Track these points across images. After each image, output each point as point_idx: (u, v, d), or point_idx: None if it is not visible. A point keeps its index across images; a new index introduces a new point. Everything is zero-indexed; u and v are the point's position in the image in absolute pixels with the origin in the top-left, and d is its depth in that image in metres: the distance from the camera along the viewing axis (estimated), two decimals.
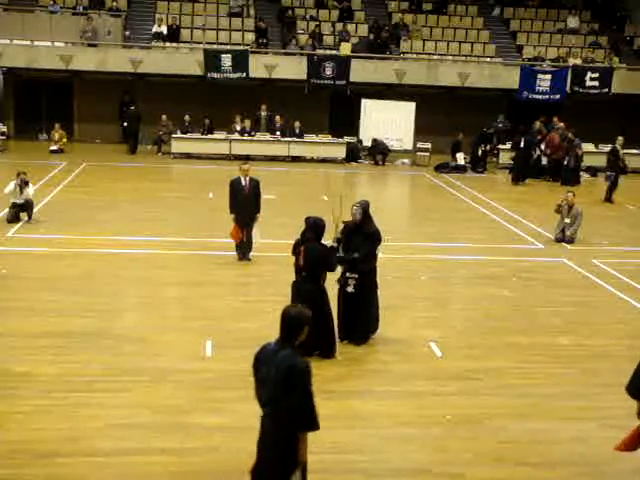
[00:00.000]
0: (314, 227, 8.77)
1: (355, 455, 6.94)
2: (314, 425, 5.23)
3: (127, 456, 6.72)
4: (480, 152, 25.16)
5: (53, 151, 24.63)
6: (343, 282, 9.30)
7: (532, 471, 6.80)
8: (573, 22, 30.94)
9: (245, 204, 12.66)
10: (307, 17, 29.72)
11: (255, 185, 12.82)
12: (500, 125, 26.61)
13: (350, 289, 9.23)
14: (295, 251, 8.83)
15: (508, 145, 25.21)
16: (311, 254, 8.62)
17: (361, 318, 9.35)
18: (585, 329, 10.48)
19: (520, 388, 8.47)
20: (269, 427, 5.26)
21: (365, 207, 9.36)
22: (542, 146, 24.05)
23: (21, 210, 15.13)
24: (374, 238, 9.33)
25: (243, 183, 12.76)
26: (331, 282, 9.23)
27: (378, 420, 7.57)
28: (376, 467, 6.74)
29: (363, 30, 28.95)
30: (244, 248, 12.90)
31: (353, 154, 25.94)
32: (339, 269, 9.27)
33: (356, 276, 9.19)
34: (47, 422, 7.21)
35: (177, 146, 25.10)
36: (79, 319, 9.90)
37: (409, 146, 26.83)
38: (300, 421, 5.16)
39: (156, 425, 7.28)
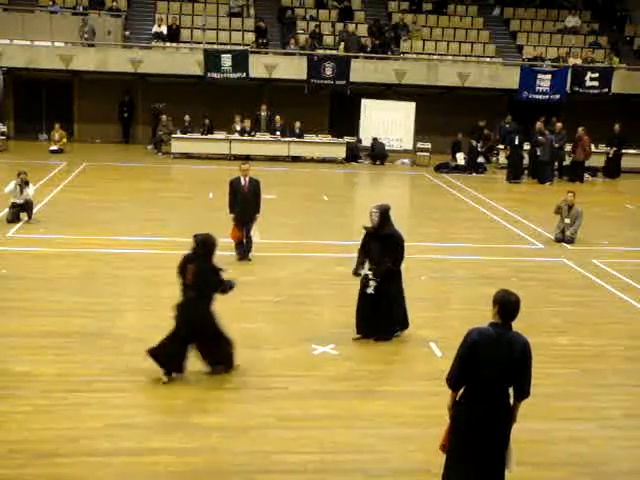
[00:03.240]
0: (202, 244, 8.21)
1: (355, 455, 6.94)
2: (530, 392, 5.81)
3: (127, 456, 6.73)
4: (474, 145, 25.02)
5: (53, 151, 24.63)
6: (365, 283, 9.39)
7: (532, 471, 6.79)
8: (573, 22, 30.94)
9: (244, 204, 12.67)
10: (307, 17, 29.73)
11: (255, 185, 12.83)
12: (507, 126, 26.54)
13: (370, 290, 9.32)
14: (182, 269, 8.27)
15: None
16: (200, 273, 8.12)
17: (383, 315, 9.41)
18: (585, 329, 10.48)
19: None
20: (498, 401, 5.71)
21: (383, 210, 9.35)
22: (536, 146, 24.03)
23: (21, 210, 15.13)
24: (396, 242, 9.33)
25: (242, 183, 12.76)
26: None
27: (378, 420, 7.58)
28: (376, 467, 6.75)
29: (363, 30, 28.96)
30: (244, 248, 12.91)
31: (353, 154, 25.94)
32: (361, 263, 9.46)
33: (378, 279, 9.28)
34: (47, 422, 7.21)
35: (177, 146, 25.11)
36: (79, 319, 9.90)
37: (409, 146, 26.83)
38: (526, 390, 5.74)
39: (156, 425, 7.29)
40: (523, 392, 5.75)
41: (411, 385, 8.38)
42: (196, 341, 8.24)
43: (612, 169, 25.07)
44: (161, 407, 7.62)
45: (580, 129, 23.93)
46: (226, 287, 8.35)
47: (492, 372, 5.64)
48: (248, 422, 7.41)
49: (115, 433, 7.07)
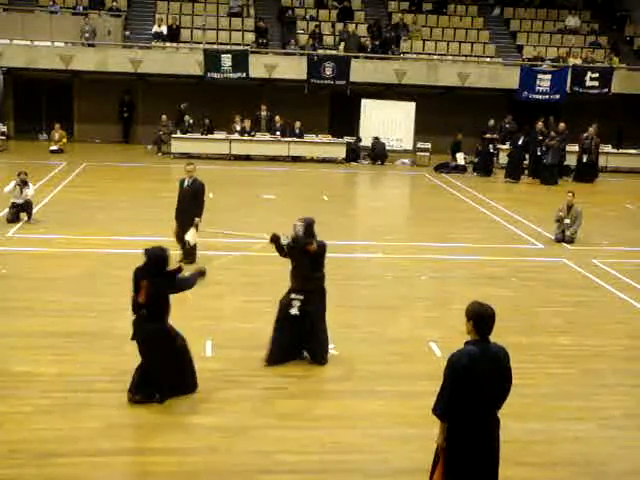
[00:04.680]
0: (154, 260, 7.75)
1: (355, 455, 6.95)
2: None
3: (127, 456, 6.73)
4: (489, 147, 25.00)
5: (53, 151, 24.63)
6: (286, 303, 8.72)
7: (532, 471, 6.80)
8: (573, 22, 30.95)
9: (181, 205, 12.66)
10: (307, 17, 29.73)
11: (197, 187, 12.62)
12: (507, 126, 26.52)
13: (294, 311, 8.61)
14: (136, 284, 7.82)
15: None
16: (155, 289, 7.64)
17: (314, 341, 8.83)
18: (585, 329, 10.48)
19: (520, 388, 8.37)
20: (493, 416, 5.61)
21: (308, 223, 8.85)
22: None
23: (21, 210, 15.13)
24: (318, 251, 8.67)
25: (185, 184, 12.72)
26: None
27: (378, 420, 7.58)
28: (376, 467, 6.75)
29: (363, 30, 28.96)
30: (186, 249, 12.63)
31: (353, 154, 25.93)
32: (284, 289, 8.87)
33: (301, 297, 8.62)
34: (47, 422, 7.21)
35: (177, 146, 25.11)
36: (79, 319, 9.90)
37: (409, 146, 26.83)
38: (507, 395, 5.66)
39: (156, 425, 7.29)
40: (505, 399, 5.65)
41: (411, 385, 8.38)
42: (145, 361, 7.71)
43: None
44: (161, 407, 7.61)
45: (591, 128, 23.87)
46: (195, 278, 8.03)
47: (489, 391, 5.51)
48: (248, 422, 7.41)
49: (115, 433, 7.07)
